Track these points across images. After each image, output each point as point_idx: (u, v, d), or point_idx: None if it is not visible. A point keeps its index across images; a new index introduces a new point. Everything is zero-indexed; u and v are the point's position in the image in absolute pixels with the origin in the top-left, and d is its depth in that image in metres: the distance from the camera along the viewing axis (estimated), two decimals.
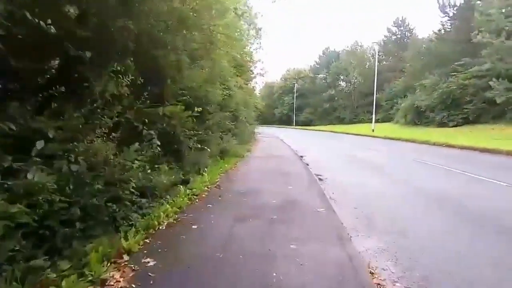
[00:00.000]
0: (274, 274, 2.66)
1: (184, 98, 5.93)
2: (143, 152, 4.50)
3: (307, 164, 10.46)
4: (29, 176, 2.44)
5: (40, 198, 2.46)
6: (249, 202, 5.08)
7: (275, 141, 22.26)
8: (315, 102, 63.26)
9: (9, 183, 2.38)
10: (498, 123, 23.58)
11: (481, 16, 23.98)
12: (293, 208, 4.86)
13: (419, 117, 31.79)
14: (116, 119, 3.76)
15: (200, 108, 6.44)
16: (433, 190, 6.54)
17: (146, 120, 4.80)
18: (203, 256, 3.01)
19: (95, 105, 3.56)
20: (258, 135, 25.32)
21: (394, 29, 53.96)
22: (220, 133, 10.66)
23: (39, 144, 2.67)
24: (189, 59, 6.23)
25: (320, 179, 7.80)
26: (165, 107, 4.98)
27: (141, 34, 4.59)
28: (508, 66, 22.38)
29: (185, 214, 4.27)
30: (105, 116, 3.65)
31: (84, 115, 3.41)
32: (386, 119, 44.29)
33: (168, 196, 4.75)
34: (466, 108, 25.92)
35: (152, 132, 4.63)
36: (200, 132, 7.71)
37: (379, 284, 2.68)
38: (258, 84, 33.36)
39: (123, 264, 2.75)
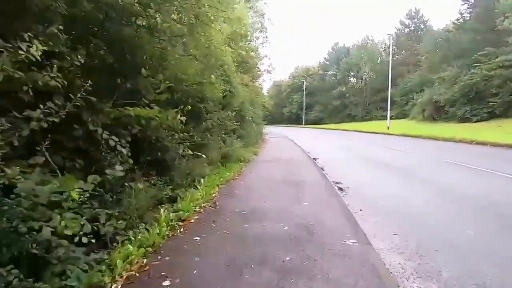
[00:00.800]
0: None
1: (166, 95, 4.63)
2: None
3: (322, 169, 9.06)
4: None
5: None
6: (252, 230, 3.76)
7: (285, 141, 20.86)
8: (324, 99, 61.43)
9: None
10: None
11: (508, 0, 21.96)
12: (312, 239, 3.51)
13: (438, 112, 29.85)
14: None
15: (189, 107, 5.17)
16: (490, 201, 5.08)
17: (109, 123, 3.53)
18: None
19: None
20: (266, 135, 23.97)
21: (407, 21, 51.65)
22: (222, 135, 9.38)
23: None
24: (172, 40, 4.94)
25: (340, 189, 6.42)
26: (135, 108, 3.72)
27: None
28: None
29: (159, 257, 2.98)
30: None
31: None
32: (401, 115, 42.23)
33: (141, 226, 3.49)
34: (492, 101, 23.91)
35: (115, 138, 3.36)
36: (194, 136, 6.46)
37: None
38: (265, 82, 31.96)
39: None
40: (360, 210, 4.97)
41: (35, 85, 2.39)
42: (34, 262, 2.16)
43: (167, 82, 4.99)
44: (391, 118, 32.40)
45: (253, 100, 19.03)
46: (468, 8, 30.75)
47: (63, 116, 2.59)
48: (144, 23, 4.28)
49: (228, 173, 7.23)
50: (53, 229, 2.14)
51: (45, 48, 2.33)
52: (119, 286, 2.44)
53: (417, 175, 7.89)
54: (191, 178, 5.79)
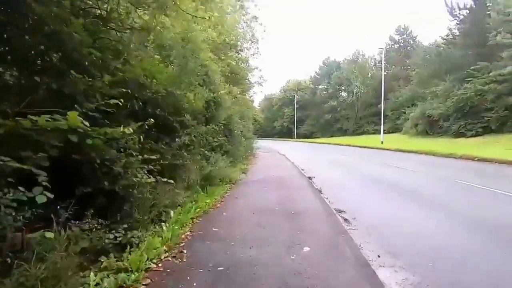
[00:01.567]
0: None
1: (114, 103, 3.34)
2: None
3: (320, 191, 7.84)
4: None
5: None
6: None
7: (277, 157, 19.65)
8: (316, 113, 61.05)
9: None
10: None
11: (499, 15, 21.88)
12: None
13: (431, 127, 29.35)
14: None
15: (152, 120, 3.92)
16: None
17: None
18: None
19: None
20: (257, 150, 22.75)
21: (396, 37, 52.35)
22: (205, 152, 8.09)
23: None
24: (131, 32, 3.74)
25: (346, 220, 5.17)
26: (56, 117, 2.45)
27: None
28: None
29: None
30: None
31: None
32: (392, 129, 41.86)
33: None
34: (487, 116, 23.43)
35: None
36: (165, 155, 5.17)
37: None
38: (256, 94, 30.94)
39: None
40: (379, 256, 3.71)
41: None
42: None
43: (121, 87, 3.74)
44: (383, 133, 31.74)
45: (243, 113, 17.90)
46: (457, 24, 30.94)
47: None
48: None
49: (208, 200, 5.89)
50: None
51: None
52: None
53: (433, 200, 6.72)
54: (156, 212, 4.45)
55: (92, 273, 2.60)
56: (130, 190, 3.91)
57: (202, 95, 7.17)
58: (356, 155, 20.74)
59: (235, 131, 13.69)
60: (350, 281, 2.94)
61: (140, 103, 4.39)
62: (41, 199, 2.37)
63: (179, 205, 5.31)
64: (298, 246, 3.78)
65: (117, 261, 3.02)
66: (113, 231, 3.56)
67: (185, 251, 3.55)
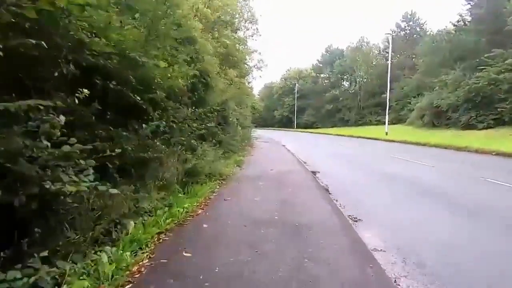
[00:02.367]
0: None
1: None
2: None
3: (328, 191, 6.55)
4: None
5: None
6: None
7: (276, 148, 18.30)
8: (317, 103, 59.34)
9: None
10: None
11: None
12: None
13: (439, 118, 27.89)
14: None
15: (87, 91, 2.55)
16: None
17: None
18: None
19: None
20: (255, 140, 21.39)
21: (403, 24, 50.12)
22: (190, 142, 6.72)
23: None
24: None
25: (364, 241, 3.87)
26: None
27: None
28: None
29: None
30: None
31: None
32: (396, 120, 40.35)
33: None
34: (500, 107, 21.97)
35: None
36: (125, 147, 3.81)
37: None
38: (255, 79, 28.88)
39: None
40: None
41: None
42: None
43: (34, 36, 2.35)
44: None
45: (240, 99, 16.46)
46: (470, 8, 29.05)
47: None
48: None
49: (187, 204, 4.57)
50: None
51: None
52: None
53: (465, 204, 5.41)
54: (105, 225, 3.13)
55: None
56: (53, 199, 2.57)
57: (185, 71, 5.75)
58: (360, 146, 19.42)
59: (231, 119, 12.30)
60: None
61: (79, 70, 2.99)
62: None
63: (146, 213, 4.01)
64: None
65: None
66: (19, 264, 2.26)
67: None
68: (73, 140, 2.55)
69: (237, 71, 16.18)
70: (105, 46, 3.26)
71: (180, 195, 4.82)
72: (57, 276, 2.37)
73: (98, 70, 3.28)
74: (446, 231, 4.14)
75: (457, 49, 28.76)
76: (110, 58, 3.47)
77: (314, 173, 9.11)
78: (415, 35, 48.58)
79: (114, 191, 2.73)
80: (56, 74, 2.74)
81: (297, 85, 61.89)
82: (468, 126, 24.08)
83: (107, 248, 2.80)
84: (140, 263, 2.81)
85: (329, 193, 6.44)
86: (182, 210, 4.26)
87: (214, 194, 5.61)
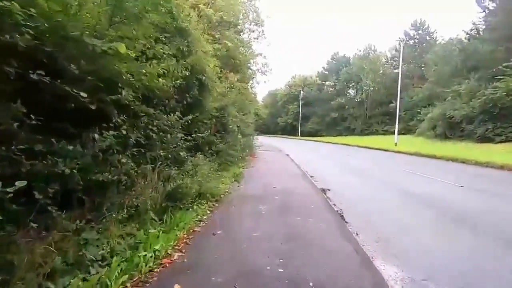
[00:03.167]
0: None
1: None
2: None
3: (342, 217, 5.32)
4: None
5: None
6: None
7: (280, 157, 17.07)
8: (322, 111, 58.16)
9: None
10: None
11: None
12: None
13: (452, 130, 26.52)
14: None
15: None
16: None
17: None
18: None
19: None
20: (257, 148, 20.18)
21: (411, 32, 49.06)
22: (179, 154, 5.53)
23: None
24: None
25: None
26: None
27: None
28: None
29: None
30: None
31: None
32: (405, 131, 38.97)
33: None
34: None
35: None
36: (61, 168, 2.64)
37: None
38: (258, 84, 27.43)
39: None
40: None
41: None
42: None
43: None
44: (394, 134, 28.88)
45: (243, 105, 15.30)
46: (485, 16, 27.89)
47: None
48: None
49: (160, 245, 3.33)
50: None
51: None
52: None
53: None
54: None
55: None
56: None
57: (173, 69, 4.62)
58: (370, 158, 18.09)
59: (231, 126, 11.14)
60: None
61: None
62: None
63: (97, 261, 2.80)
64: None
65: None
66: None
67: None
68: None
69: (240, 75, 15.09)
70: (27, 16, 2.11)
71: (152, 230, 3.59)
72: None
73: (12, 52, 2.12)
74: None
75: (471, 58, 27.51)
76: (41, 39, 2.32)
77: (323, 191, 7.87)
78: (424, 44, 47.45)
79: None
80: None
81: (302, 92, 60.85)
82: (484, 139, 22.70)
83: None
84: None
85: (346, 222, 5.20)
86: (149, 256, 3.04)
87: (201, 225, 4.38)
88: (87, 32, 2.68)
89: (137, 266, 2.86)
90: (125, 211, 3.46)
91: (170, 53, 4.85)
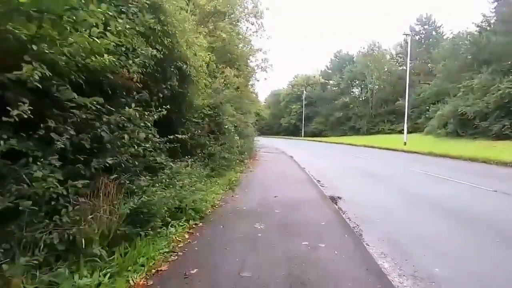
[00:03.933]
0: None
1: None
2: None
3: (363, 239, 4.08)
4: None
5: None
6: None
7: (282, 159, 15.83)
8: (326, 110, 56.75)
9: None
10: None
11: None
12: None
13: (465, 127, 25.04)
14: None
15: None
16: None
17: None
18: None
19: None
20: (259, 149, 18.97)
21: (417, 27, 47.54)
22: (155, 159, 4.35)
23: None
24: None
25: None
26: None
27: None
28: None
29: None
30: None
31: None
32: (412, 129, 37.41)
33: None
34: None
35: None
36: None
37: None
38: (258, 81, 25.76)
39: None
40: None
41: None
42: None
43: None
44: (402, 132, 27.43)
45: (241, 103, 14.10)
46: (496, 7, 26.45)
47: None
48: None
49: None
50: None
51: None
52: None
53: None
54: None
55: None
56: None
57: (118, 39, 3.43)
58: (380, 159, 16.73)
59: (226, 126, 9.95)
60: None
61: None
62: None
63: None
64: None
65: None
66: None
67: None
68: None
69: (237, 71, 13.88)
70: None
71: (86, 278, 2.38)
72: None
73: None
74: None
75: (483, 51, 26.06)
76: None
77: (334, 200, 6.63)
78: (430, 39, 45.91)
79: None
80: None
81: (305, 92, 59.52)
82: (500, 136, 21.25)
83: None
84: None
85: (367, 245, 3.97)
86: None
87: (171, 259, 3.17)
88: None
89: None
90: (42, 251, 2.26)
91: (134, 29, 3.67)
